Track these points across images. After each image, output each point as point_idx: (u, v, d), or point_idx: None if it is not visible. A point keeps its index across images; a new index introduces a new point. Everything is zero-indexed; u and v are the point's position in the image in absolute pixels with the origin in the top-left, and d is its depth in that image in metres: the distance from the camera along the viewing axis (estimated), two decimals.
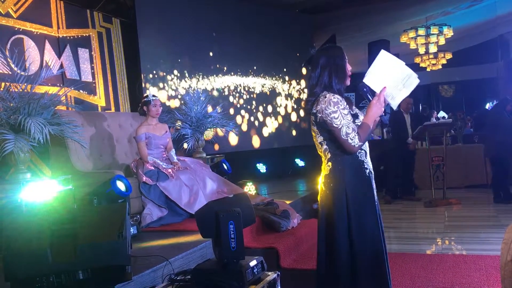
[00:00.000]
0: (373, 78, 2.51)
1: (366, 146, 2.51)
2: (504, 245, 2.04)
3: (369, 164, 2.50)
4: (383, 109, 2.47)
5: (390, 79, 2.48)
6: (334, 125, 2.37)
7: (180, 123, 5.92)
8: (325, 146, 2.48)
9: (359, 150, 2.44)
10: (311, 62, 2.53)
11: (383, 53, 2.53)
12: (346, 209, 2.41)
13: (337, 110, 2.37)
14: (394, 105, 2.54)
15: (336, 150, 2.44)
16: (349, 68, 2.52)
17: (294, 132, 8.76)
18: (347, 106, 2.43)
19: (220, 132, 6.69)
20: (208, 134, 6.18)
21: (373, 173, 2.52)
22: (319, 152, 2.55)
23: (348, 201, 2.41)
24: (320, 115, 2.41)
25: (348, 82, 2.53)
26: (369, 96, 2.52)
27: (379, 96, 2.46)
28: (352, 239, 2.40)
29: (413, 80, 2.48)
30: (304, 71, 9.05)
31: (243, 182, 5.56)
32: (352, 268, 2.40)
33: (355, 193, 2.42)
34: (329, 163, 2.47)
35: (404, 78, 2.48)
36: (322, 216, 2.51)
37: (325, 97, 2.41)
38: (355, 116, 2.48)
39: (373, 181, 2.52)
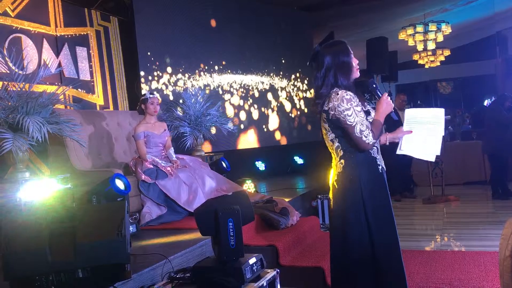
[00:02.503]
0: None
1: (377, 142, 2.47)
2: (503, 240, 2.05)
3: (381, 160, 2.47)
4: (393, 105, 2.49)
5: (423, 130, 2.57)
6: (348, 122, 2.33)
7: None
8: (337, 144, 2.44)
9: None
10: (315, 60, 2.46)
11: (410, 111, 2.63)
12: (363, 206, 2.38)
13: (350, 107, 2.32)
14: (401, 151, 2.58)
15: (349, 147, 2.40)
16: (355, 61, 2.46)
17: (293, 130, 8.76)
18: (360, 103, 2.39)
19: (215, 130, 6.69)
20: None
21: (385, 169, 2.49)
22: (329, 149, 2.51)
23: (364, 198, 2.38)
24: (332, 113, 2.36)
25: (356, 75, 2.46)
26: (378, 92, 2.52)
27: (397, 132, 2.57)
28: (372, 236, 2.38)
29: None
30: (301, 70, 9.06)
31: (242, 180, 5.56)
32: (373, 265, 2.37)
33: (370, 190, 2.39)
34: (342, 161, 2.43)
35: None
36: (337, 214, 2.47)
37: (337, 94, 2.35)
38: (367, 113, 2.44)
39: (386, 178, 2.49)
